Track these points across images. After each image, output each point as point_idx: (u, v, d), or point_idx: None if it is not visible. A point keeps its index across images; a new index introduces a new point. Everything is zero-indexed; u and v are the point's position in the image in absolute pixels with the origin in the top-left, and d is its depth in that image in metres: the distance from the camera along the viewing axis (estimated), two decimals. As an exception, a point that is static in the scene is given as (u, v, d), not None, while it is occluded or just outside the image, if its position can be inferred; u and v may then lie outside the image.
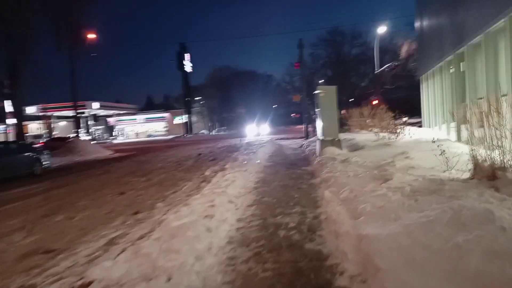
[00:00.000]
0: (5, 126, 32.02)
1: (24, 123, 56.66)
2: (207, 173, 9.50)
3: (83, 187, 9.40)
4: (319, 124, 11.07)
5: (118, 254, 3.71)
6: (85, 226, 5.36)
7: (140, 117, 66.03)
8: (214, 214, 4.96)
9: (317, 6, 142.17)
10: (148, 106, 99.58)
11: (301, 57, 22.02)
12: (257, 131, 32.47)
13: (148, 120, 65.37)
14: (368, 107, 18.26)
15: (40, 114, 52.02)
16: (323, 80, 45.24)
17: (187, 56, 55.53)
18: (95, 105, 51.75)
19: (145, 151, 24.88)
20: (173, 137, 48.95)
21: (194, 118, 58.46)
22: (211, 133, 53.55)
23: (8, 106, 20.74)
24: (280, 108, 65.76)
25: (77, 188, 9.44)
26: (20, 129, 20.51)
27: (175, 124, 60.01)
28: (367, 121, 16.75)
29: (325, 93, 10.14)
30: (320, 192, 6.25)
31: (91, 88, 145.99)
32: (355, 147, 10.56)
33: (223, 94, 54.83)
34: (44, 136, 50.36)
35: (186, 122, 53.19)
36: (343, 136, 12.51)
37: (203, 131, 55.72)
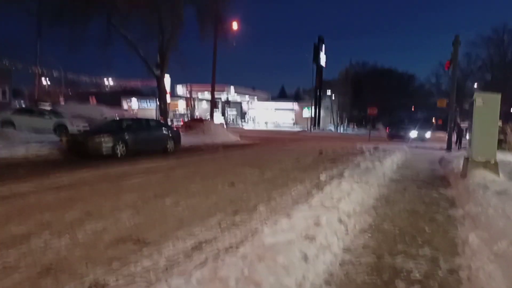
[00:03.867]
0: (156, 103, 36.62)
1: (175, 101, 65.01)
2: (322, 177, 8.70)
3: (200, 171, 9.66)
4: (470, 138, 8.99)
5: (195, 267, 3.24)
6: (185, 217, 5.19)
7: (271, 105, 68.11)
8: (316, 235, 4.12)
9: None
10: (280, 95, 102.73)
11: (454, 56, 18.83)
12: (417, 135, 28.78)
13: (278, 110, 66.99)
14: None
15: (187, 94, 58.46)
16: (477, 85, 38.74)
17: (323, 49, 54.57)
18: (231, 89, 55.37)
19: (269, 141, 25.29)
20: (299, 130, 48.97)
21: (322, 113, 57.39)
22: (338, 130, 51.77)
23: (165, 84, 23.37)
24: (420, 111, 59.47)
25: (195, 171, 9.76)
26: (164, 107, 22.90)
27: (303, 117, 60.03)
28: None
29: (484, 102, 8.06)
30: (462, 232, 4.78)
31: (229, 73, 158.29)
32: (519, 175, 8.21)
33: (356, 91, 52.23)
34: (187, 115, 56.50)
35: (314, 116, 52.53)
36: (499, 156, 10.00)
37: (330, 127, 54.32)
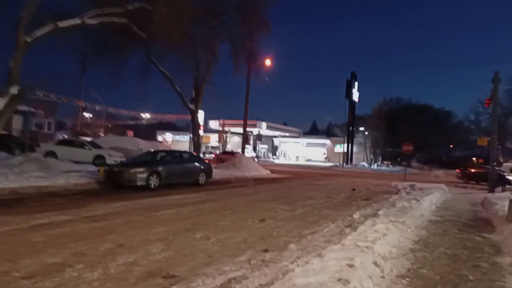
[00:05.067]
0: (190, 136, 37.52)
1: (207, 134, 66.50)
2: (355, 215, 8.47)
3: (231, 205, 9.66)
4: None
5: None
6: (214, 253, 5.15)
7: (302, 140, 68.28)
8: (350, 279, 3.94)
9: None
10: (312, 131, 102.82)
11: (495, 93, 18.22)
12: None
13: (309, 145, 66.94)
14: None
15: (220, 128, 59.72)
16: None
17: (355, 85, 54.55)
18: (263, 125, 56.04)
19: (300, 175, 25.05)
20: (331, 165, 48.35)
21: (355, 149, 56.56)
22: (371, 167, 50.54)
23: (199, 119, 23.99)
24: (458, 149, 57.22)
25: (225, 205, 9.76)
26: (197, 141, 23.41)
27: (335, 152, 59.42)
28: None
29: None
30: (511, 284, 4.41)
31: (261, 108, 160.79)
32: None
33: (390, 127, 51.26)
34: (219, 148, 57.40)
35: (346, 152, 51.87)
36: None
37: (363, 163, 53.14)
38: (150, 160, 13.84)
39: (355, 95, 54.76)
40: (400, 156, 55.36)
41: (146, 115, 65.48)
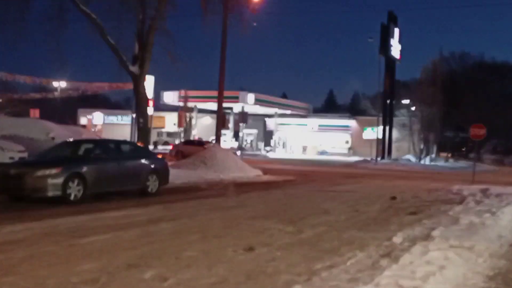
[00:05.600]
0: (132, 117, 37.14)
1: (161, 114, 66.07)
2: (396, 238, 8.60)
3: (200, 226, 9.66)
4: None
5: None
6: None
7: (313, 121, 68.11)
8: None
9: None
10: (327, 106, 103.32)
11: None
12: None
13: (323, 128, 66.96)
14: None
15: (181, 104, 59.53)
16: None
17: (396, 33, 54.08)
18: (250, 98, 55.88)
19: (309, 177, 25.21)
20: (358, 161, 48.68)
21: (396, 134, 56.73)
22: (421, 162, 50.98)
23: (145, 89, 23.81)
24: None
25: (191, 226, 9.77)
26: (144, 123, 23.29)
27: (364, 139, 59.69)
28: None
29: None
30: None
31: (247, 74, 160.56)
32: None
33: (450, 98, 51.64)
34: (180, 135, 57.34)
35: (382, 139, 51.95)
36: None
37: (408, 156, 53.51)
38: (68, 156, 13.72)
39: (395, 49, 54.56)
40: (466, 144, 55.94)
41: (60, 84, 64.16)
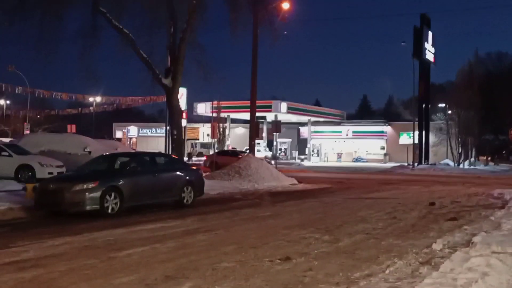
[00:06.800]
0: (166, 129, 37.38)
1: (194, 125, 66.55)
2: (436, 245, 8.49)
3: (236, 237, 9.73)
4: None
5: None
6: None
7: (347, 129, 67.67)
8: None
9: None
10: (362, 113, 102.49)
11: None
12: None
13: (358, 135, 66.44)
14: None
15: (214, 115, 59.74)
16: None
17: (429, 36, 53.56)
18: (283, 106, 55.80)
19: (345, 185, 25.07)
20: (394, 166, 48.21)
21: (433, 139, 55.95)
22: (460, 166, 50.12)
23: (179, 101, 24.01)
24: None
25: (228, 237, 9.86)
26: (178, 135, 23.50)
27: (400, 144, 59.03)
28: None
29: None
30: None
31: (279, 83, 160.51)
32: None
33: (488, 101, 50.58)
34: (214, 146, 57.47)
35: (418, 144, 51.29)
36: None
37: (446, 160, 52.70)
38: (104, 169, 13.93)
39: (429, 53, 54.04)
40: (507, 147, 54.72)
41: (95, 99, 65.50)
